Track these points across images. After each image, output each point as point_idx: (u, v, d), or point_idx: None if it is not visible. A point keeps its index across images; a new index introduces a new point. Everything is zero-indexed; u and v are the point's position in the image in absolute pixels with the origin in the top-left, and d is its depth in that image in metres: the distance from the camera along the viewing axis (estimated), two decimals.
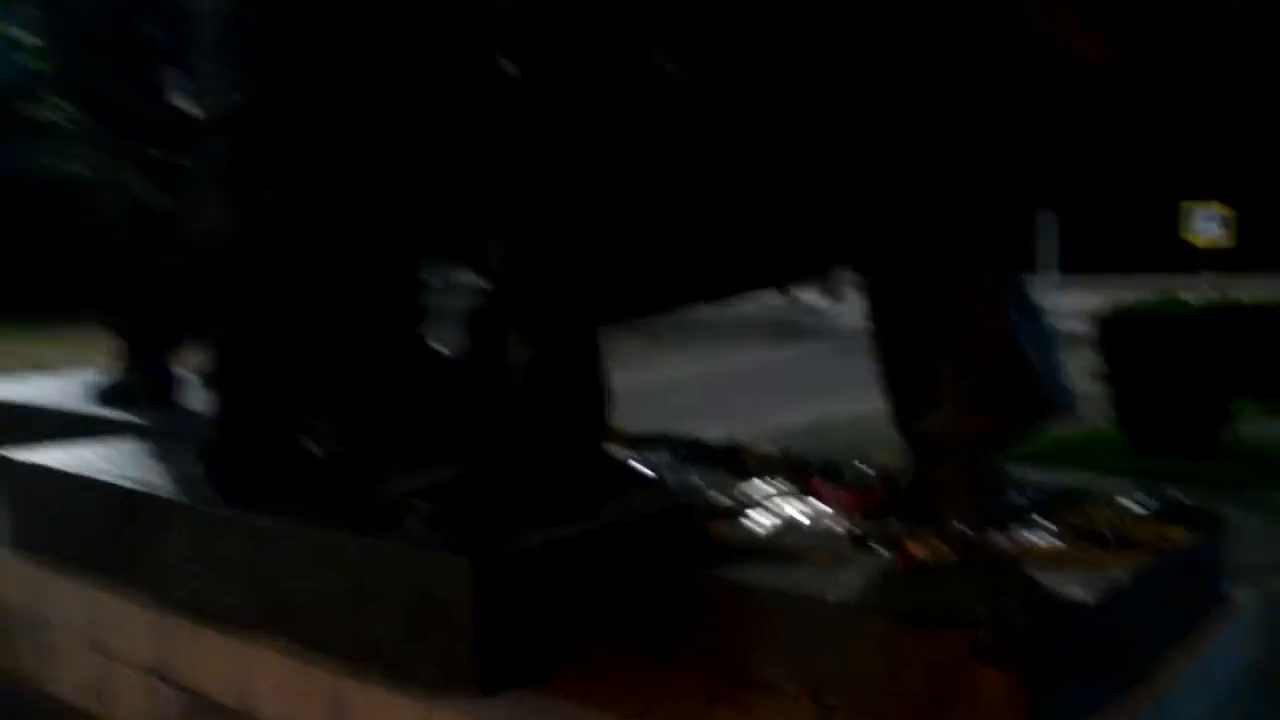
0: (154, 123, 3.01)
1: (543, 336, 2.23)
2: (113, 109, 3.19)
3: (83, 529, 2.62)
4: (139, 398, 3.49)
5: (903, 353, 2.10)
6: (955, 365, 1.99)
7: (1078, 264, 15.55)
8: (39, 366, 7.14)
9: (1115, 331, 5.41)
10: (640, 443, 2.67)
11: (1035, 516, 2.05)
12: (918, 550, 1.87)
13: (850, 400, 5.77)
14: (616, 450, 2.49)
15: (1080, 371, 3.50)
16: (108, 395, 3.59)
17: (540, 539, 1.92)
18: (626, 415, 2.51)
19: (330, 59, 2.07)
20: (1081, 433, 5.14)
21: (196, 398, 3.18)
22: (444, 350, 2.57)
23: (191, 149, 2.58)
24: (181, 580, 2.33)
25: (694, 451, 2.71)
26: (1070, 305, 7.61)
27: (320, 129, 2.09)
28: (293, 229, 2.17)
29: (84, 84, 3.30)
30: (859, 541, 1.97)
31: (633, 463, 2.45)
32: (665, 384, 8.36)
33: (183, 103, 2.92)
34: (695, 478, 2.43)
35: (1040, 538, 1.97)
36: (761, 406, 7.35)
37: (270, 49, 2.07)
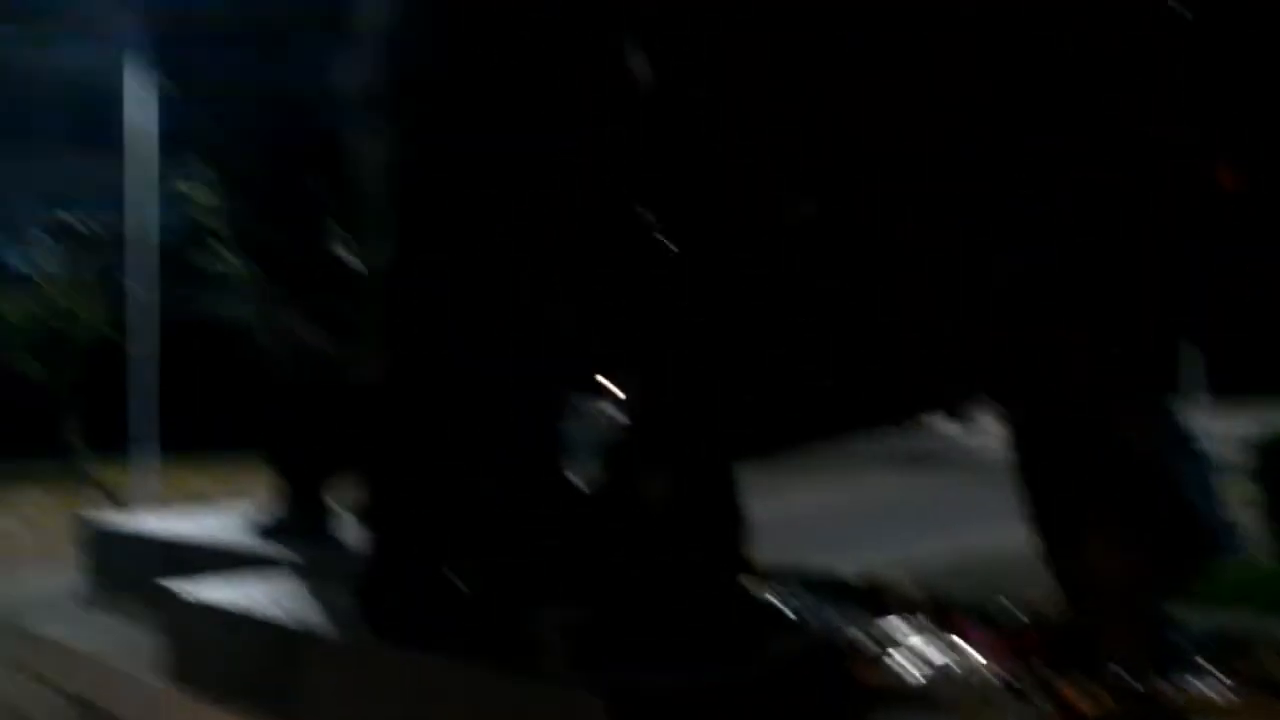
0: (317, 273, 3.23)
1: (679, 470, 2.26)
2: (279, 260, 3.43)
3: (240, 663, 2.73)
4: (296, 532, 3.63)
5: (1050, 485, 2.05)
6: (1108, 499, 1.94)
7: (1228, 385, 14.83)
8: (199, 499, 7.50)
9: (1274, 459, 5.14)
10: (776, 577, 2.64)
11: (1202, 662, 1.94)
12: (1078, 700, 1.79)
13: (991, 533, 5.57)
14: (754, 585, 2.47)
15: (1237, 503, 3.32)
16: (265, 530, 3.74)
17: (679, 680, 1.91)
18: (760, 547, 2.50)
19: (488, 215, 2.21)
20: (1241, 569, 4.83)
21: (350, 533, 3.29)
22: (582, 482, 2.62)
23: (352, 298, 2.75)
24: (336, 714, 2.39)
25: (831, 587, 2.67)
26: (1222, 430, 7.25)
27: (476, 279, 2.21)
28: (446, 373, 2.28)
29: (253, 237, 3.55)
30: (1013, 689, 1.90)
31: (772, 599, 2.43)
32: (796, 514, 8.24)
33: (345, 254, 3.13)
34: (834, 615, 2.38)
35: (1209, 686, 1.86)
36: (897, 538, 7.17)
37: (429, 206, 2.22)
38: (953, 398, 2.33)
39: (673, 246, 2.20)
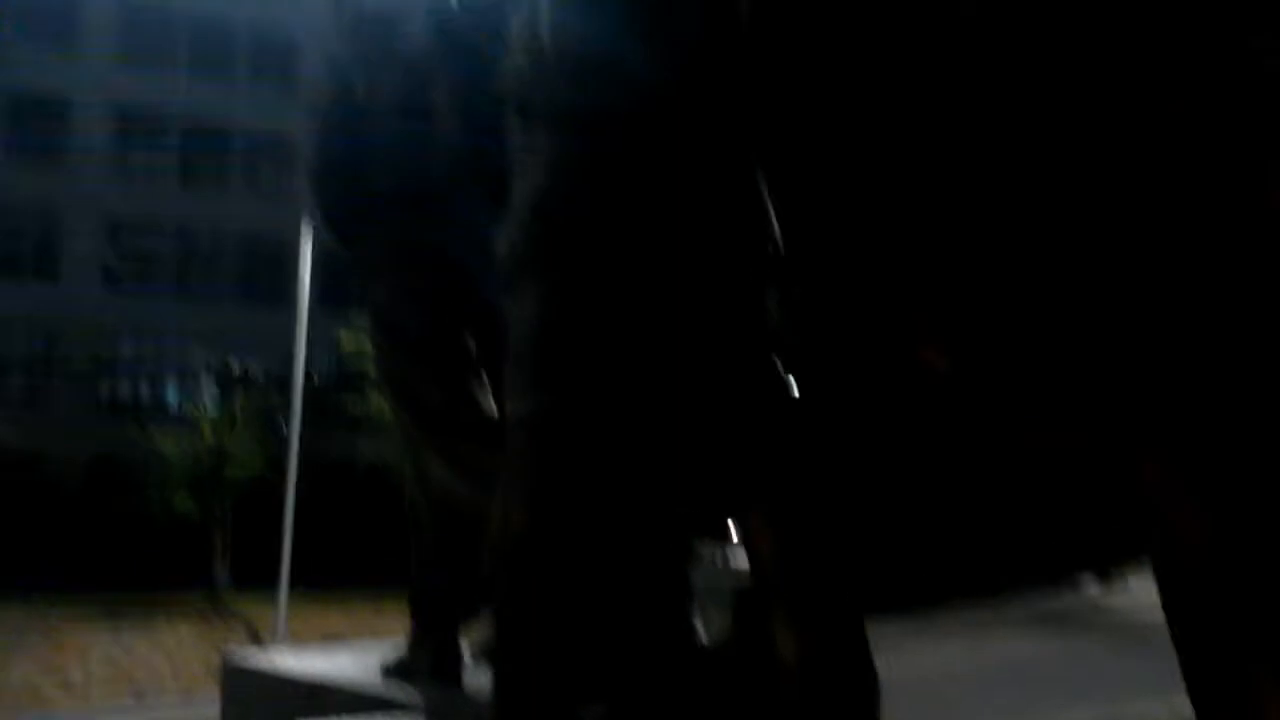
0: (461, 422, 3.37)
1: (812, 626, 2.24)
2: (425, 408, 3.59)
3: None
4: (428, 674, 3.67)
5: (1211, 653, 1.94)
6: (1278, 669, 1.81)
7: None
8: (338, 638, 7.65)
9: None
10: None
11: None
12: None
13: (1140, 702, 5.21)
14: None
15: None
16: (397, 670, 3.80)
17: None
18: (893, 709, 2.41)
19: (632, 368, 2.30)
20: None
21: (480, 676, 3.32)
22: (708, 632, 2.61)
23: (494, 448, 2.86)
24: None
25: None
26: None
27: (618, 433, 2.29)
28: (585, 524, 2.34)
29: (403, 384, 3.73)
30: None
31: None
32: (930, 675, 7.86)
33: (487, 405, 3.27)
34: None
35: None
36: (1036, 705, 6.74)
37: (578, 360, 2.32)
38: (1115, 557, 2.25)
39: (807, 387, 2.24)
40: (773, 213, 2.37)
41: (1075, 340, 1.92)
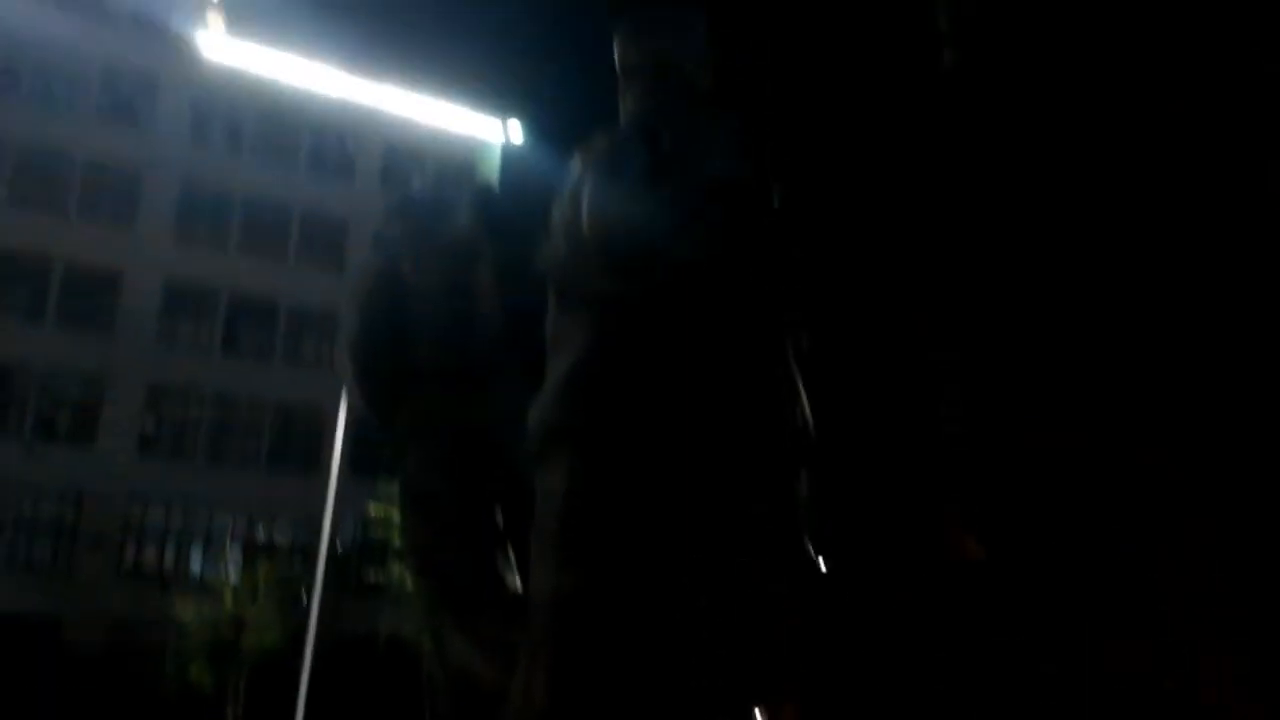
0: (484, 597, 3.34)
1: None
2: (449, 581, 3.56)
3: None
4: None
5: None
6: None
7: None
8: None
9: None
10: None
11: None
12: None
13: None
14: None
15: None
16: None
17: None
18: None
19: (659, 548, 2.28)
20: None
21: None
22: None
23: (517, 626, 2.82)
24: None
25: None
26: None
27: (643, 615, 2.26)
28: (609, 709, 2.28)
29: (428, 556, 3.71)
30: None
31: None
32: None
33: (512, 581, 3.24)
34: None
35: None
36: None
37: (604, 538, 2.31)
38: None
39: (837, 568, 2.21)
40: (804, 394, 2.40)
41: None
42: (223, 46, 33.84)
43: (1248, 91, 1.96)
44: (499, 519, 3.44)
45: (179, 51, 33.06)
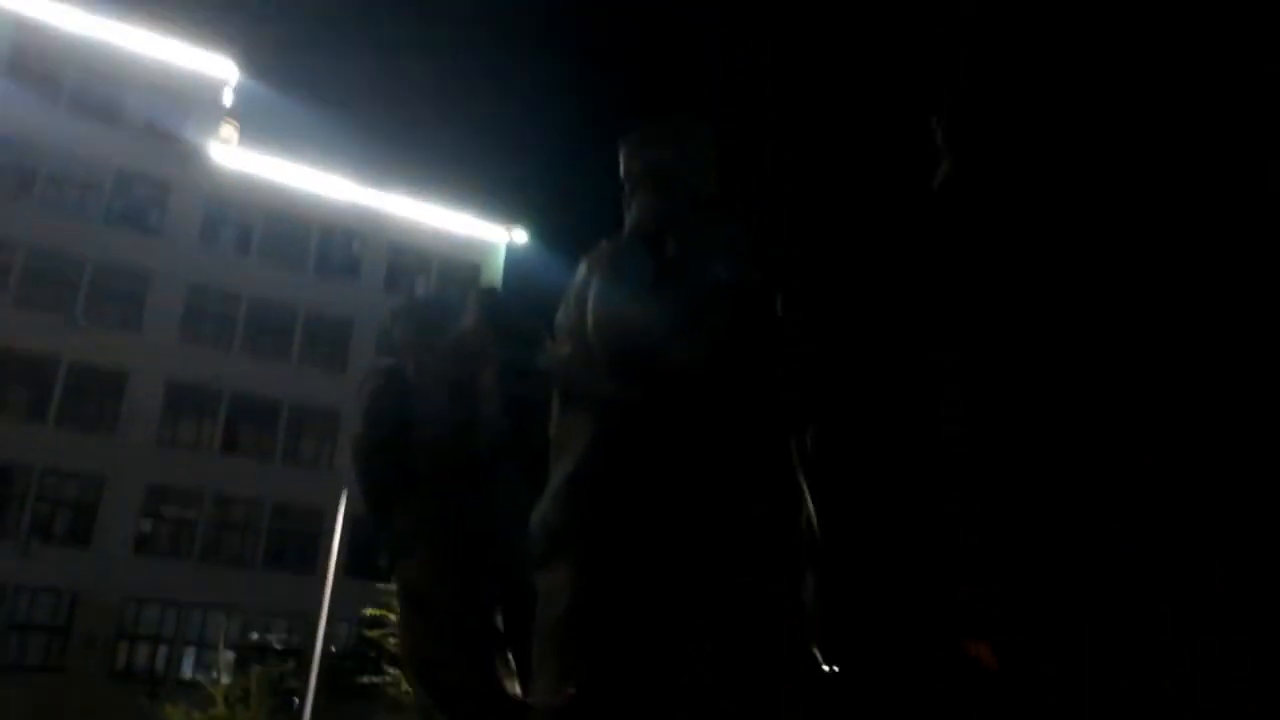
0: (483, 703, 3.28)
1: None
2: (447, 687, 3.50)
3: None
4: None
5: None
6: None
7: None
8: None
9: None
10: None
11: None
12: None
13: None
14: None
15: None
16: None
17: None
18: None
19: (661, 653, 2.25)
20: None
21: None
22: None
23: None
24: None
25: None
26: None
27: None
28: None
29: (425, 661, 3.65)
30: None
31: None
32: None
33: (511, 686, 3.19)
34: None
35: None
36: None
37: (605, 645, 2.28)
38: None
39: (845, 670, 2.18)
40: (809, 496, 2.40)
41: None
42: (235, 155, 34.60)
43: (1248, 91, 2.00)
44: (499, 622, 3.39)
45: (192, 158, 33.77)
